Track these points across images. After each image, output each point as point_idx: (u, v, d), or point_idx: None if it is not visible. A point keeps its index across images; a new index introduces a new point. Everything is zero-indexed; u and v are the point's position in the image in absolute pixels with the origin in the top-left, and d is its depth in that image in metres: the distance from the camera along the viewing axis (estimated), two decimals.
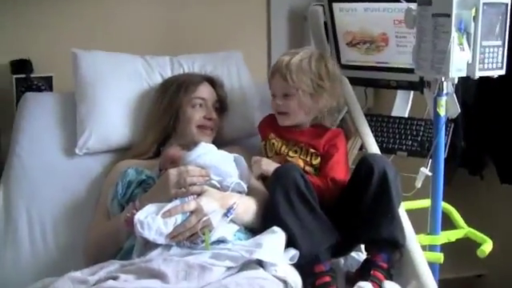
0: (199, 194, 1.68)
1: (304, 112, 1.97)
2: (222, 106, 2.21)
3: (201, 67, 2.33)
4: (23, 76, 2.56)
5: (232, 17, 2.99)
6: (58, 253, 1.95)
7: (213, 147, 1.87)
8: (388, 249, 1.72)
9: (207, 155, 1.78)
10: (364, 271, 1.72)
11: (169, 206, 1.62)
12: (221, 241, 1.65)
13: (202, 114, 2.09)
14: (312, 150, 1.95)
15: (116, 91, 2.19)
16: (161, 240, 1.58)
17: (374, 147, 2.09)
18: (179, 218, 1.60)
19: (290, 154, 1.97)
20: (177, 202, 1.64)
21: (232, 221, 1.69)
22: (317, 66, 1.95)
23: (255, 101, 2.33)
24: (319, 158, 1.94)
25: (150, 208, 1.62)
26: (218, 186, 1.74)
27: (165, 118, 2.10)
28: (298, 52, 1.98)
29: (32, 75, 2.58)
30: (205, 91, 2.13)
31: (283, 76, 1.95)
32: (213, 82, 2.21)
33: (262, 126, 2.12)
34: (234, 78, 2.34)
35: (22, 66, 2.60)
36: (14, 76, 2.56)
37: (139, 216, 1.58)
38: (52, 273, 1.76)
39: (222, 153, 1.85)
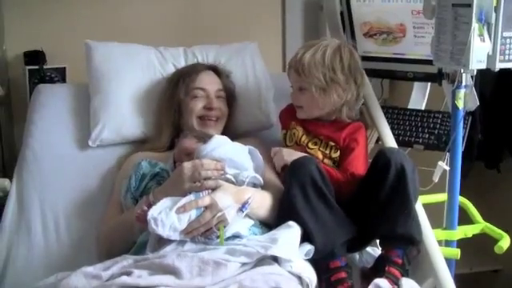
0: (214, 189, 1.65)
1: (318, 107, 1.93)
2: (229, 96, 2.17)
3: (215, 58, 2.31)
4: (36, 67, 2.57)
5: (247, 7, 2.97)
6: (71, 245, 1.94)
7: (227, 139, 1.84)
8: (403, 245, 1.69)
9: (221, 148, 1.76)
10: (379, 267, 1.69)
11: (183, 200, 1.60)
12: (236, 236, 1.63)
13: (203, 104, 2.07)
14: (332, 143, 1.92)
15: (129, 83, 2.17)
16: (175, 236, 1.56)
17: (390, 140, 2.05)
18: (193, 214, 1.58)
19: (310, 145, 1.94)
20: (191, 197, 1.62)
21: (247, 215, 1.67)
22: (331, 60, 1.91)
23: (270, 92, 2.30)
24: (339, 152, 1.91)
25: (164, 203, 1.60)
26: (233, 180, 1.71)
27: (170, 112, 2.09)
28: (315, 44, 1.94)
29: (45, 66, 2.58)
30: (205, 80, 2.10)
31: (297, 70, 1.92)
32: (217, 70, 2.18)
33: (284, 114, 2.09)
34: (248, 69, 2.31)
35: (35, 57, 2.61)
36: (28, 67, 2.57)
37: (153, 212, 1.56)
38: (65, 266, 1.78)
39: (237, 145, 1.82)
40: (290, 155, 1.84)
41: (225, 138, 1.86)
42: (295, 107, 1.99)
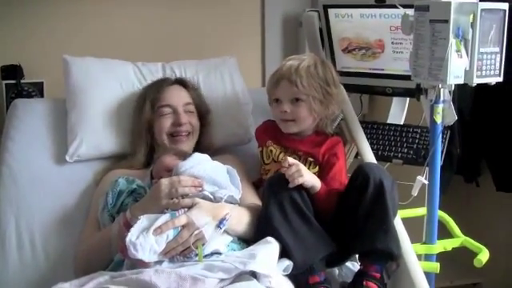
0: (190, 207, 1.63)
1: (313, 118, 1.93)
2: (200, 109, 2.14)
3: (193, 73, 2.30)
4: (14, 82, 2.54)
5: (226, 23, 2.98)
6: (47, 262, 1.91)
7: (207, 157, 1.83)
8: (382, 260, 1.69)
9: (201, 165, 1.75)
10: (358, 282, 1.68)
11: (159, 221, 1.58)
12: (214, 252, 1.61)
13: (171, 120, 2.04)
14: (310, 159, 1.91)
15: (107, 98, 2.15)
16: (154, 258, 1.54)
17: (369, 155, 2.06)
18: (171, 234, 1.56)
19: None
20: (167, 217, 1.60)
21: (225, 232, 1.66)
22: (323, 72, 1.92)
23: (249, 106, 2.31)
24: (317, 167, 1.91)
25: (140, 224, 1.58)
26: (211, 197, 1.70)
27: (141, 132, 2.07)
28: (304, 58, 1.94)
29: (23, 81, 2.56)
30: (171, 96, 2.07)
31: (293, 81, 1.88)
32: (184, 83, 2.15)
33: (260, 132, 2.08)
34: (227, 84, 2.31)
35: (12, 71, 2.58)
36: (4, 82, 2.55)
37: (130, 237, 1.53)
38: (40, 283, 1.75)
39: (216, 164, 1.82)
40: (311, 179, 1.74)
41: (205, 155, 1.84)
42: (281, 122, 1.95)
